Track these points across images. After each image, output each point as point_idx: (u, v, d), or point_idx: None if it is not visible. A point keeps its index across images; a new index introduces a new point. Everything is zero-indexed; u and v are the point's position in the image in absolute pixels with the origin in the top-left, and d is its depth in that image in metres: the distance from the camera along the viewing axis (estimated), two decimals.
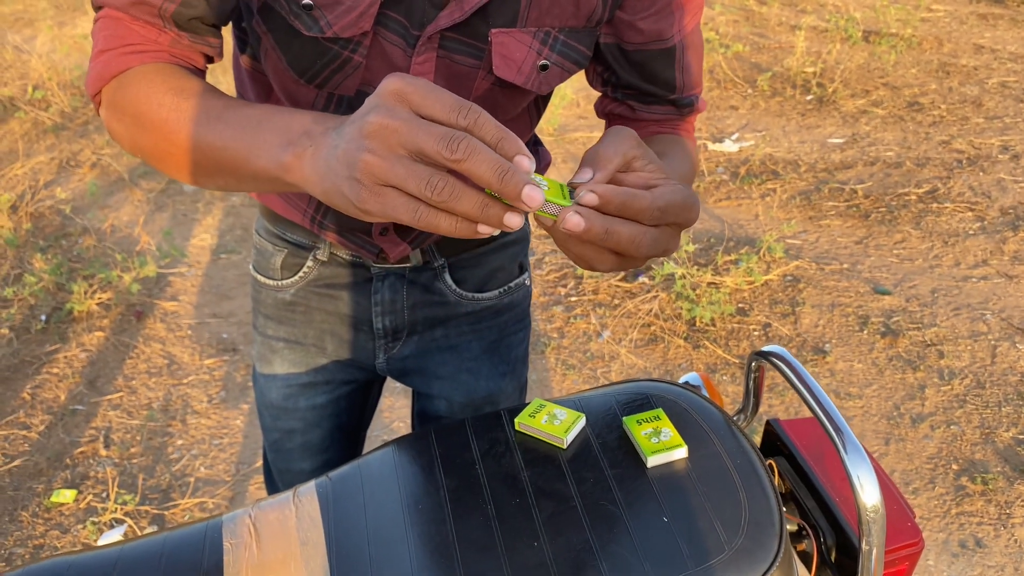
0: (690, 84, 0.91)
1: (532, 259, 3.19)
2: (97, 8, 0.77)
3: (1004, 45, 6.12)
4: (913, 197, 3.55)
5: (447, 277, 1.04)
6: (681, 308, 2.69)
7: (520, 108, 0.91)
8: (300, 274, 1.04)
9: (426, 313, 1.06)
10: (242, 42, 0.89)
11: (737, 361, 2.48)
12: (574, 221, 0.53)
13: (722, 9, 7.76)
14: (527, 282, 1.14)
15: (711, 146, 4.29)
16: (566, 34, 0.80)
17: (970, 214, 3.37)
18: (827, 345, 2.53)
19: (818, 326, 2.62)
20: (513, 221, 0.52)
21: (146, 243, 3.33)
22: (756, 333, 2.59)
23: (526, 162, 0.51)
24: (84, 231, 3.53)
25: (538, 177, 0.54)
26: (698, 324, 2.65)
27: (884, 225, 3.32)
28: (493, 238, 1.06)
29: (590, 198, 0.54)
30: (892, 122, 4.58)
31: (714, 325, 2.65)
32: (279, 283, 1.06)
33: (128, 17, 0.73)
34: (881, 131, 4.44)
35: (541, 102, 0.97)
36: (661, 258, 2.39)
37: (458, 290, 1.06)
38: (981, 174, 3.77)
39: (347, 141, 0.53)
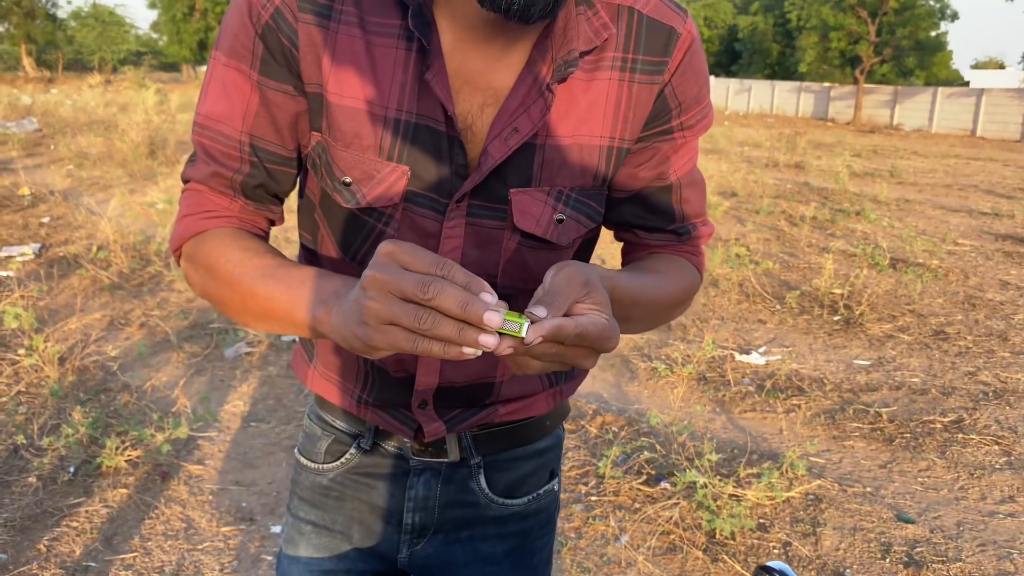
0: (690, 215, 1.01)
1: None
2: (185, 181, 0.93)
3: None
4: (939, 425, 3.56)
5: (481, 478, 1.07)
6: (701, 518, 2.67)
7: (546, 265, 0.93)
8: (342, 460, 1.08)
9: (456, 513, 1.08)
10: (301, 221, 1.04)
11: None
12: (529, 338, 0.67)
13: (754, 227, 8.14)
14: (555, 488, 1.16)
15: (738, 356, 4.38)
16: (577, 192, 0.91)
17: (996, 448, 3.36)
18: (847, 571, 2.47)
19: (839, 549, 2.58)
20: (487, 341, 0.63)
21: (182, 405, 3.43)
22: (776, 551, 2.55)
23: (488, 296, 0.64)
24: (124, 388, 3.65)
25: (502, 310, 0.66)
26: (718, 536, 2.61)
27: (908, 451, 3.31)
28: (528, 442, 1.11)
29: (535, 338, 0.66)
30: (918, 349, 4.66)
31: (734, 539, 2.61)
32: (320, 467, 1.10)
33: (207, 188, 0.90)
34: (907, 357, 4.51)
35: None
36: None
37: (489, 492, 1.08)
38: (1008, 408, 3.79)
39: (355, 296, 0.68)
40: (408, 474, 1.07)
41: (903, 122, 30.68)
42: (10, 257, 5.88)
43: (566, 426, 3.39)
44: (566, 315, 0.70)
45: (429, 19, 0.83)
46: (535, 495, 1.12)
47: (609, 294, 0.76)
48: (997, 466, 3.19)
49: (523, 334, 0.65)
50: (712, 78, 44.15)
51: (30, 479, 2.83)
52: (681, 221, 1.00)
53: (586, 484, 2.98)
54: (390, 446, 1.06)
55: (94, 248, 5.96)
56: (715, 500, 2.73)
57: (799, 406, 3.73)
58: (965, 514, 2.83)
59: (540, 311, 0.68)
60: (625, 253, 1.06)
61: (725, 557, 2.52)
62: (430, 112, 0.84)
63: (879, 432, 3.48)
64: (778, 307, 5.39)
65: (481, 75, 0.85)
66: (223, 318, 4.62)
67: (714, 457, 2.93)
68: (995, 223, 9.19)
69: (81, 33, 45.48)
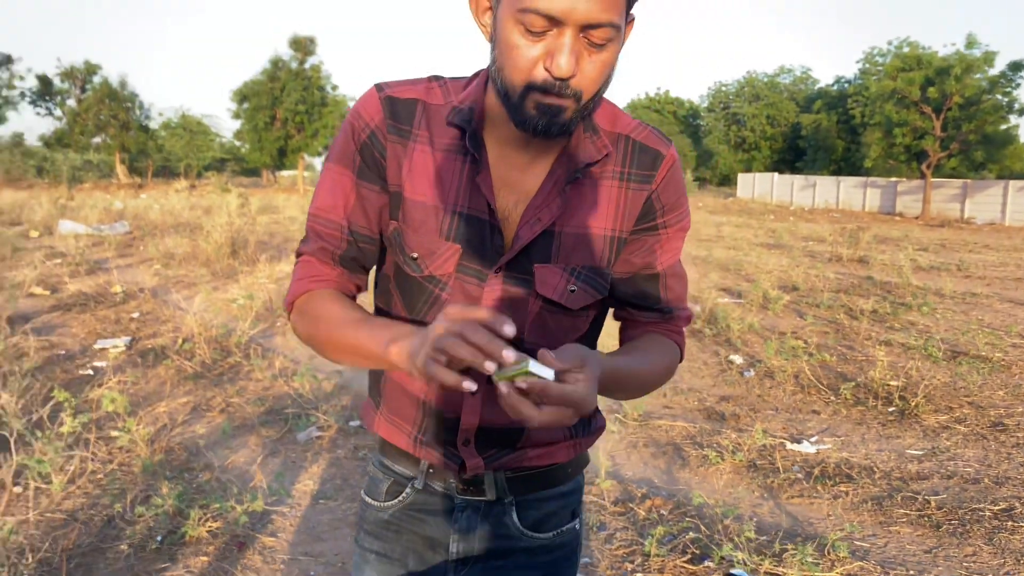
0: (673, 300, 1.29)
1: (603, 534, 3.36)
2: (298, 255, 1.26)
3: None
4: (988, 513, 3.58)
5: (513, 514, 1.29)
6: None
7: (570, 328, 1.23)
8: (400, 498, 1.31)
9: (493, 544, 1.29)
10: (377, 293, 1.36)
11: None
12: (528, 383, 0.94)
13: (813, 320, 8.19)
14: (577, 527, 1.38)
15: (789, 445, 4.46)
16: (587, 270, 1.19)
17: None
18: None
19: None
20: (507, 357, 0.90)
21: (258, 481, 3.70)
22: None
23: (508, 327, 0.92)
24: (206, 467, 3.95)
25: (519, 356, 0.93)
26: None
27: (955, 537, 3.35)
28: (552, 485, 1.33)
29: (541, 371, 0.94)
30: (974, 440, 4.66)
31: None
32: (382, 504, 1.33)
33: (316, 260, 1.23)
34: (962, 447, 4.52)
35: (591, 334, 1.30)
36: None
37: (520, 526, 1.29)
38: None
39: (426, 334, 0.98)
40: (453, 510, 1.29)
41: (974, 215, 30.21)
42: (104, 349, 6.37)
43: (615, 509, 3.54)
44: (561, 380, 0.96)
45: (480, 139, 1.14)
46: (559, 531, 1.34)
47: (602, 372, 1.03)
48: None
49: (528, 367, 0.91)
50: (775, 175, 44.50)
51: (122, 546, 3.12)
52: (665, 304, 1.28)
53: (632, 562, 3.11)
54: (438, 486, 1.29)
55: (180, 340, 6.41)
56: None
57: (847, 492, 3.80)
58: None
59: (548, 355, 0.95)
60: (622, 330, 1.33)
61: None
62: (478, 206, 1.15)
63: (927, 519, 3.53)
64: (832, 398, 5.45)
65: (516, 180, 1.16)
66: (296, 404, 4.94)
67: (752, 535, 3.04)
68: None
69: (170, 142, 48.55)
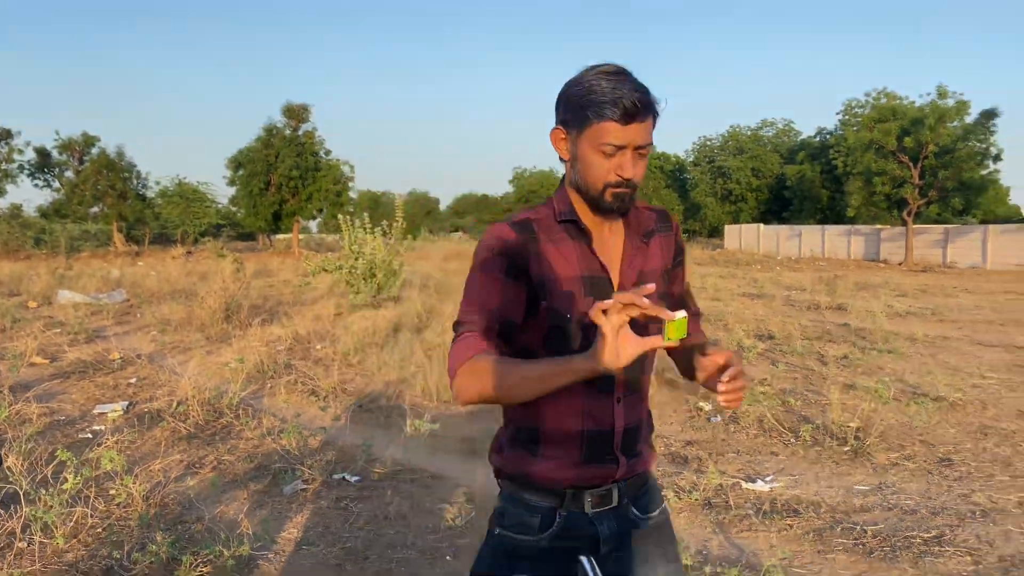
0: (695, 308, 1.90)
1: None
2: (457, 326, 1.63)
3: None
4: (919, 540, 3.89)
5: (632, 508, 1.75)
6: None
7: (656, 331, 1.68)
8: (552, 528, 1.69)
9: (626, 530, 1.74)
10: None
11: None
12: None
13: (786, 368, 8.54)
14: (666, 507, 1.86)
15: (745, 484, 4.77)
16: (660, 294, 1.71)
17: (968, 558, 3.66)
18: None
19: None
20: (678, 315, 1.35)
21: (246, 528, 4.00)
22: None
23: (647, 288, 1.36)
24: (198, 519, 4.25)
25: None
26: None
27: (885, 562, 3.65)
28: (646, 482, 1.80)
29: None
30: (920, 475, 4.97)
31: None
32: (537, 537, 1.69)
33: (480, 332, 1.59)
34: (907, 482, 4.83)
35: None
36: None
37: (637, 513, 1.76)
38: (991, 525, 4.08)
39: (599, 337, 1.36)
40: (594, 522, 1.71)
41: (956, 260, 30.77)
42: (103, 413, 6.68)
43: None
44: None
45: (582, 224, 1.67)
46: (661, 509, 1.83)
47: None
48: (964, 574, 3.51)
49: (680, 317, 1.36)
50: (761, 225, 45.22)
51: None
52: (694, 308, 1.90)
53: None
54: (576, 508, 1.70)
55: (175, 403, 6.72)
56: None
57: (791, 526, 4.10)
58: None
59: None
60: None
61: None
62: (595, 268, 1.67)
63: (861, 546, 3.83)
64: (792, 440, 5.77)
65: (605, 246, 1.70)
66: (283, 459, 5.24)
67: (689, 562, 3.34)
68: None
69: (167, 209, 49.20)
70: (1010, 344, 10.36)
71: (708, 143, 57.95)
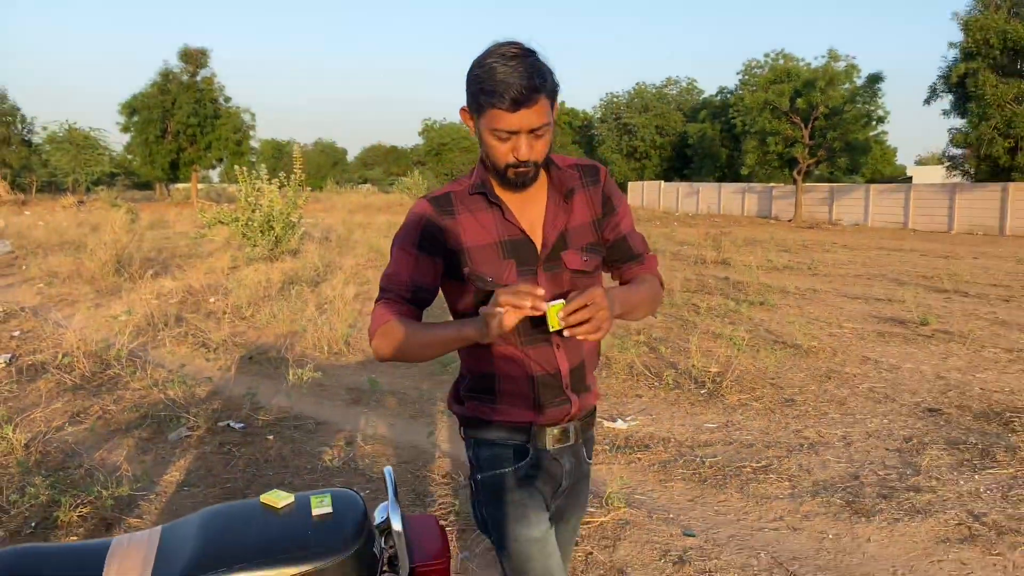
0: (639, 249, 1.98)
1: (430, 501, 3.97)
2: (379, 293, 1.83)
3: (887, 358, 7.21)
4: (748, 469, 4.38)
5: (583, 450, 1.96)
6: None
7: (590, 285, 1.76)
8: (527, 459, 1.85)
9: (579, 472, 1.96)
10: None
11: None
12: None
13: (663, 319, 9.07)
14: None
15: (606, 424, 5.20)
16: (589, 245, 1.86)
17: (787, 484, 4.17)
18: (629, 569, 3.24)
19: (628, 555, 3.35)
20: (540, 305, 1.59)
21: (126, 471, 4.16)
22: (579, 559, 3.32)
23: (540, 291, 1.59)
24: (80, 465, 4.38)
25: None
26: None
27: (715, 488, 4.12)
28: (592, 425, 1.99)
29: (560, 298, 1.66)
30: (763, 413, 5.51)
31: None
32: (515, 467, 1.85)
33: (394, 299, 1.81)
34: (751, 420, 5.36)
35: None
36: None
37: (586, 458, 1.98)
38: (814, 456, 4.62)
39: (485, 308, 1.63)
40: (557, 457, 1.89)
41: (841, 218, 32.48)
42: None
43: (443, 480, 4.14)
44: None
45: (494, 195, 1.79)
46: (591, 459, 2.03)
47: (614, 297, 1.72)
48: (780, 496, 4.01)
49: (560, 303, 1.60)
50: (662, 183, 46.39)
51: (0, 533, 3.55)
52: (636, 253, 1.99)
53: (447, 520, 3.74)
54: (541, 443, 1.86)
55: (59, 355, 6.71)
56: None
57: (640, 459, 4.54)
58: (738, 530, 3.63)
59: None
60: (621, 282, 2.01)
61: None
62: (512, 232, 1.80)
63: (698, 475, 4.30)
64: (656, 384, 6.25)
65: (524, 211, 1.82)
66: (169, 408, 5.38)
67: None
68: (884, 308, 10.20)
69: (56, 156, 46.84)
70: (870, 296, 11.21)
71: (615, 100, 58.65)
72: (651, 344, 7.55)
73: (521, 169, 1.72)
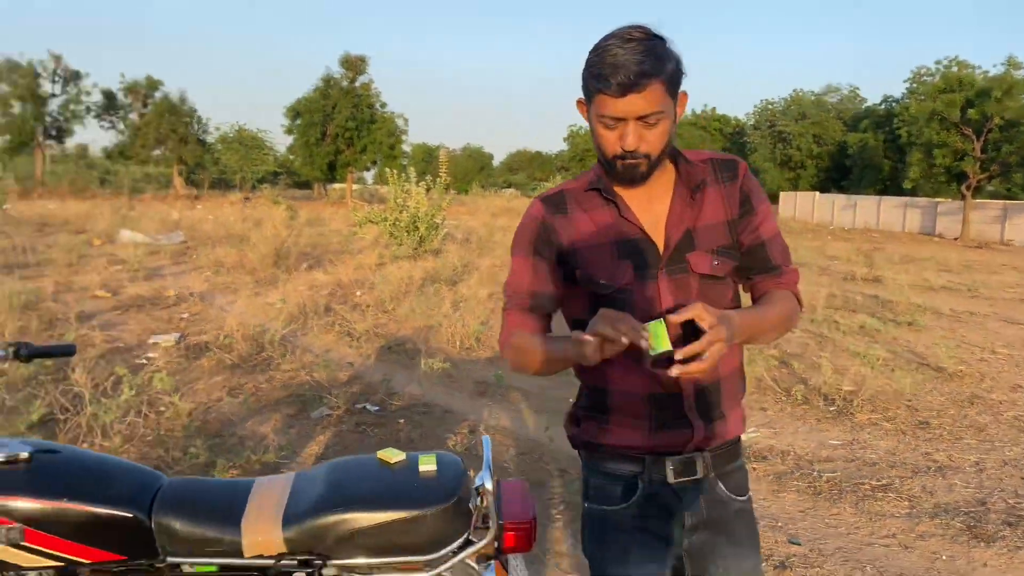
0: (780, 260, 1.72)
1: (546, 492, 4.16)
2: (505, 302, 1.75)
3: None
4: (867, 487, 4.30)
5: (720, 485, 1.69)
6: None
7: (722, 294, 1.65)
8: (635, 496, 1.66)
9: (715, 511, 1.68)
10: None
11: None
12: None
13: (800, 334, 8.87)
14: (751, 493, 1.79)
15: None
16: (721, 248, 1.65)
17: (906, 503, 4.07)
18: None
19: None
20: (635, 338, 1.40)
21: (272, 441, 4.60)
22: None
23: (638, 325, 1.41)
24: (233, 434, 4.87)
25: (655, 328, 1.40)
26: None
27: (828, 502, 4.08)
28: (737, 458, 1.74)
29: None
30: (893, 434, 5.35)
31: None
32: (622, 506, 1.66)
33: (516, 310, 1.72)
34: (879, 440, 5.22)
35: (736, 296, 1.73)
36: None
37: (728, 492, 1.69)
38: (940, 478, 4.47)
39: (584, 331, 1.48)
40: (677, 492, 1.66)
41: (1013, 238, 30.14)
42: (157, 343, 7.38)
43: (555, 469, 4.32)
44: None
45: (609, 191, 1.64)
46: (749, 496, 1.77)
47: (738, 318, 1.52)
48: (897, 515, 3.92)
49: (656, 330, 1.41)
50: (817, 194, 44.54)
51: None
52: (775, 264, 1.72)
53: (556, 508, 3.91)
54: (658, 475, 1.66)
55: (221, 337, 7.40)
56: None
57: (755, 469, 4.55)
58: (846, 543, 3.60)
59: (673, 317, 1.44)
60: (753, 298, 1.76)
61: None
62: (629, 231, 1.64)
63: (812, 488, 4.26)
64: (784, 398, 6.17)
65: (646, 208, 1.65)
66: (313, 390, 5.85)
67: None
68: None
69: (226, 155, 50.57)
70: None
71: (770, 106, 56.95)
72: (783, 359, 7.43)
73: (629, 161, 1.56)
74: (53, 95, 48.48)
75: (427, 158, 66.57)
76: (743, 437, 5.27)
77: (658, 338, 1.41)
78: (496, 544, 1.78)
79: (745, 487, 1.76)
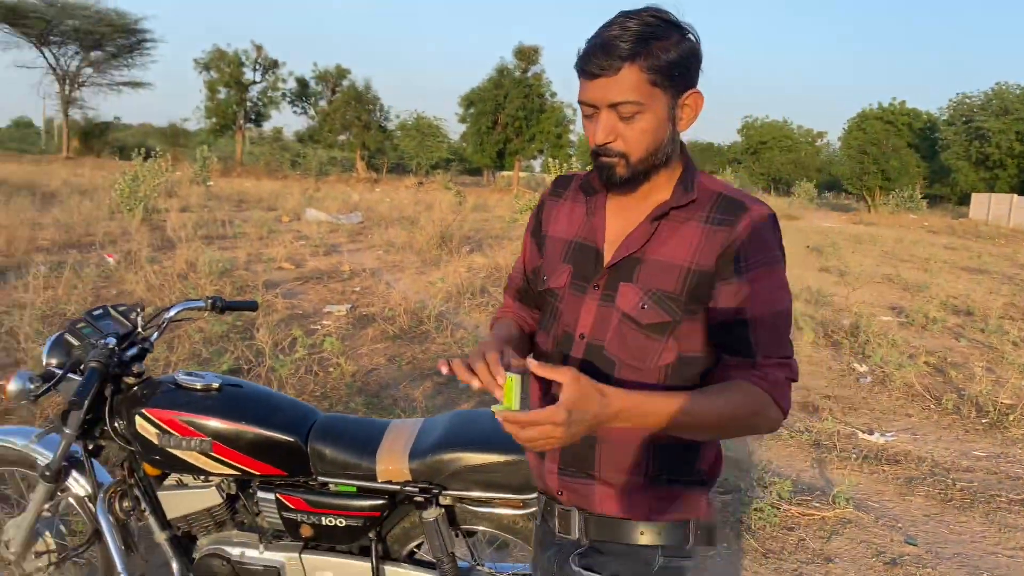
0: (763, 348, 1.35)
1: None
2: (505, 290, 1.71)
3: None
4: (1003, 499, 4.19)
5: (575, 560, 1.47)
6: (743, 513, 3.70)
7: (646, 348, 1.37)
8: (534, 524, 1.67)
9: None
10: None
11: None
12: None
13: (967, 343, 8.45)
14: None
15: (861, 435, 5.18)
16: (661, 293, 1.36)
17: None
18: (836, 558, 3.39)
19: (840, 548, 3.49)
20: (502, 376, 1.25)
21: (420, 404, 5.08)
22: (790, 542, 3.52)
23: (497, 366, 1.27)
24: (390, 395, 5.40)
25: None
26: (754, 527, 3.64)
27: (957, 510, 4.03)
28: (625, 542, 1.44)
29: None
30: None
31: (764, 530, 3.62)
32: (537, 524, 1.63)
33: (507, 294, 1.72)
34: None
35: (678, 369, 1.39)
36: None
37: (578, 568, 1.47)
38: None
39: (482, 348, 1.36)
40: (548, 547, 1.54)
41: None
42: (330, 312, 8.14)
43: None
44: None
45: (593, 190, 1.49)
46: None
47: (622, 401, 1.23)
48: None
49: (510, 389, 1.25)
50: (1014, 196, 40.79)
51: None
52: (755, 351, 1.35)
53: None
54: (550, 522, 1.53)
55: (386, 310, 8.04)
56: (752, 504, 3.76)
57: (886, 471, 4.52)
58: (966, 549, 3.58)
59: (533, 365, 1.22)
60: (709, 376, 1.41)
61: (751, 540, 3.56)
62: (591, 238, 1.47)
63: (943, 495, 4.21)
64: (933, 406, 5.99)
65: (624, 221, 1.44)
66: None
67: (785, 485, 3.92)
68: None
69: (404, 142, 53.12)
70: None
71: (967, 101, 52.71)
72: (940, 366, 7.15)
73: (603, 159, 1.37)
74: (254, 82, 52.67)
75: None
76: (880, 439, 5.25)
77: (508, 393, 1.24)
78: None
79: None
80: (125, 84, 52.83)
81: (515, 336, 1.57)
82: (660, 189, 1.42)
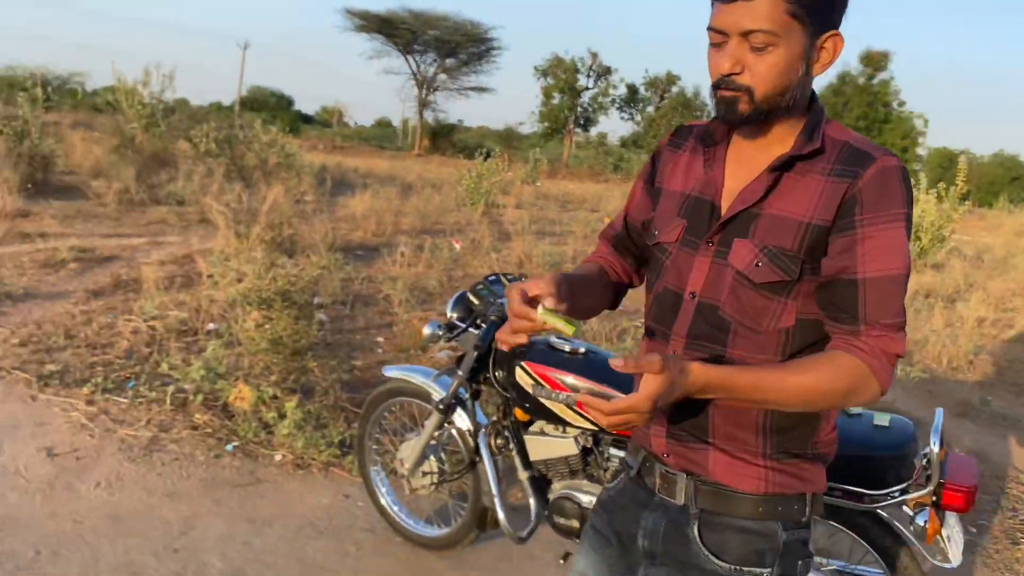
0: (870, 316, 1.23)
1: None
2: (601, 234, 1.63)
3: None
4: None
5: (695, 528, 1.40)
6: None
7: (761, 310, 1.30)
8: (616, 482, 1.57)
9: (678, 555, 1.42)
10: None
11: None
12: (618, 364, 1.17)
13: None
14: None
15: None
16: (777, 250, 1.27)
17: None
18: None
19: None
20: (540, 309, 1.26)
21: None
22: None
23: (532, 289, 1.27)
24: None
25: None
26: None
27: None
28: (739, 515, 1.37)
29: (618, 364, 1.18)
30: None
31: None
32: (606, 486, 1.60)
33: (602, 239, 1.63)
34: None
35: (797, 335, 1.32)
36: None
37: (700, 543, 1.40)
38: None
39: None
40: (647, 507, 1.45)
41: None
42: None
43: None
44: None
45: (713, 140, 1.39)
46: (740, 569, 1.35)
47: (706, 381, 1.19)
48: None
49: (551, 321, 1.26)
50: None
51: None
52: (860, 317, 1.24)
53: None
54: (648, 480, 1.47)
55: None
56: None
57: None
58: None
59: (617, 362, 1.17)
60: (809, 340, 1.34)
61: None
62: (708, 192, 1.38)
63: None
64: None
65: (744, 173, 1.35)
66: None
67: None
68: None
69: None
70: None
71: None
72: None
73: (724, 91, 1.26)
74: (586, 88, 54.98)
75: (946, 164, 60.48)
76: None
77: (556, 325, 1.25)
78: (934, 499, 2.05)
79: (737, 556, 1.36)
80: (472, 89, 57.94)
81: (588, 276, 1.53)
82: (783, 139, 1.32)
